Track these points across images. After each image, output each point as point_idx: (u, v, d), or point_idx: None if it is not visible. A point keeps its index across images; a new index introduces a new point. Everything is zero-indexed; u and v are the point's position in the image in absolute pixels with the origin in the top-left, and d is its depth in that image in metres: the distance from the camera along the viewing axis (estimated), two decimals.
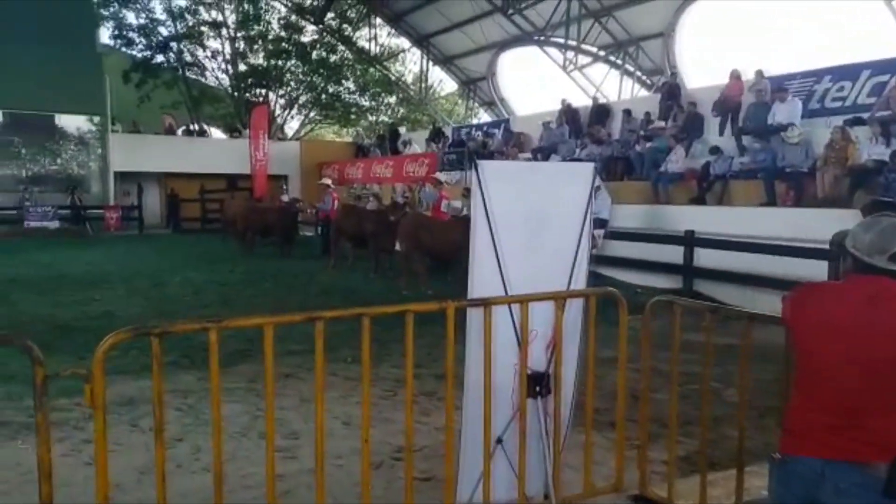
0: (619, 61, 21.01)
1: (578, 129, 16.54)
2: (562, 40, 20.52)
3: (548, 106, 19.79)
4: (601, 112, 16.63)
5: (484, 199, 2.63)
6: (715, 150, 11.61)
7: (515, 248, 2.71)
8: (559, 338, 2.72)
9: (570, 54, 20.70)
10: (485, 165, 2.64)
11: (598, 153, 14.67)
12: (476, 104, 28.67)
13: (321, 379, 2.52)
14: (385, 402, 4.98)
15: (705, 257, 10.01)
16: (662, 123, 13.30)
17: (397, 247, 12.39)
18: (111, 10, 26.20)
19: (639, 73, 20.69)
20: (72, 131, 24.41)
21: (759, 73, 12.58)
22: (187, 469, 3.87)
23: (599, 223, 12.30)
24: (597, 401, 3.26)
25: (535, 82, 31.85)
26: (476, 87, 27.64)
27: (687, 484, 3.45)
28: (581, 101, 18.04)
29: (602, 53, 21.00)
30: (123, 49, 26.58)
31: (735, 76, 13.01)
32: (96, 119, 23.35)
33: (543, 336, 2.78)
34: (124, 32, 26.37)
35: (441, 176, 14.19)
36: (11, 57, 20.16)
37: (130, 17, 26.54)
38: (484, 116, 27.51)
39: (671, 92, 14.45)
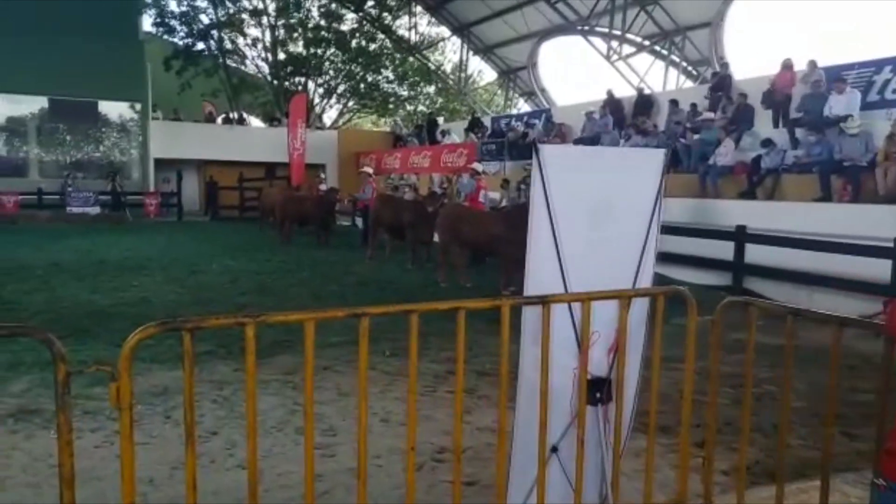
0: (664, 51, 20.45)
1: (621, 119, 16.16)
2: (606, 30, 20.05)
3: (589, 96, 19.44)
4: (645, 103, 16.23)
5: (544, 188, 2.40)
6: (767, 143, 11.14)
7: (577, 241, 2.47)
8: (623, 340, 2.48)
9: (615, 44, 20.20)
10: (546, 150, 2.40)
11: (643, 144, 14.26)
12: (516, 94, 28.32)
13: (364, 378, 2.33)
14: (425, 399, 4.78)
15: (756, 254, 9.59)
16: (711, 115, 12.83)
17: (435, 238, 12.21)
18: None
19: (684, 64, 20.12)
20: (114, 118, 24.75)
21: (812, 63, 12.05)
22: (221, 465, 3.72)
23: None
24: (650, 404, 3.02)
25: (576, 72, 31.41)
26: (516, 76, 27.28)
27: (754, 496, 3.19)
28: (624, 92, 17.63)
29: (647, 43, 20.46)
30: (165, 37, 26.84)
31: (786, 66, 12.48)
32: (137, 106, 23.61)
33: (606, 338, 2.54)
34: (166, 20, 26.58)
35: (479, 166, 13.92)
36: (56, 44, 20.46)
37: (172, 5, 26.76)
38: (523, 107, 27.13)
39: (721, 83, 13.96)
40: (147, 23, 26.66)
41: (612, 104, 16.44)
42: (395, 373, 5.32)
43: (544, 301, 2.34)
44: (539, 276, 2.50)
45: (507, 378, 2.56)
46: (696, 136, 12.77)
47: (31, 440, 3.79)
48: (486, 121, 22.22)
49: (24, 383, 4.73)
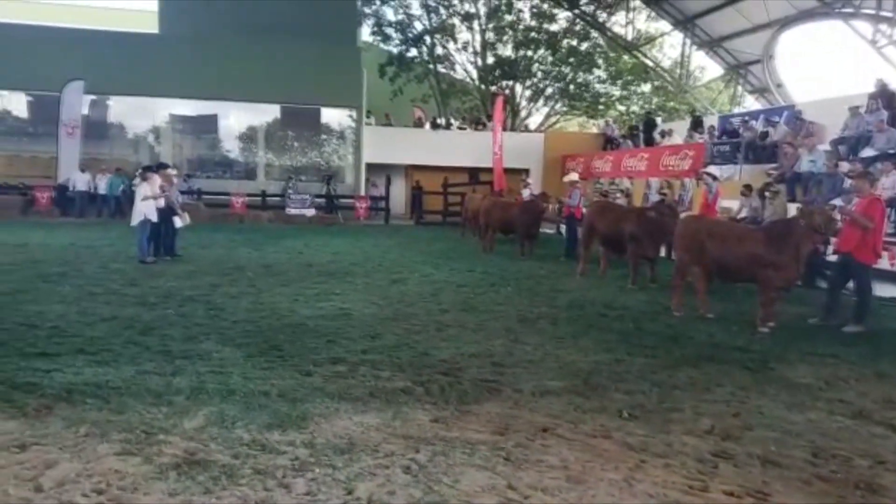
0: None
1: (893, 116, 13.23)
2: (873, 11, 16.81)
3: (837, 91, 16.46)
4: None
5: None
6: None
7: None
8: None
9: (884, 27, 16.86)
10: None
11: None
12: (744, 91, 25.31)
13: None
14: (691, 501, 3.34)
15: None
16: None
17: (661, 252, 10.57)
18: (372, 7, 27.28)
19: None
20: (333, 124, 25.85)
21: None
22: None
23: None
24: None
25: (819, 64, 27.48)
26: (746, 71, 24.33)
27: None
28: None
29: None
30: (381, 45, 27.59)
31: None
32: (353, 112, 24.35)
33: None
34: (383, 28, 27.30)
35: (715, 170, 11.96)
36: (286, 55, 21.74)
37: (389, 14, 27.47)
38: (752, 105, 24.11)
39: None
40: (364, 32, 27.64)
41: (884, 97, 13.50)
42: (639, 446, 3.94)
43: None
44: None
45: None
46: None
47: None
48: (712, 120, 19.79)
49: (201, 418, 4.06)
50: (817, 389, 5.23)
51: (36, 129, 22.82)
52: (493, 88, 27.95)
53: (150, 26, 23.73)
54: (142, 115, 23.90)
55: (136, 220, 10.92)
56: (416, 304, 8.22)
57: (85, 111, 21.76)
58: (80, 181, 20.08)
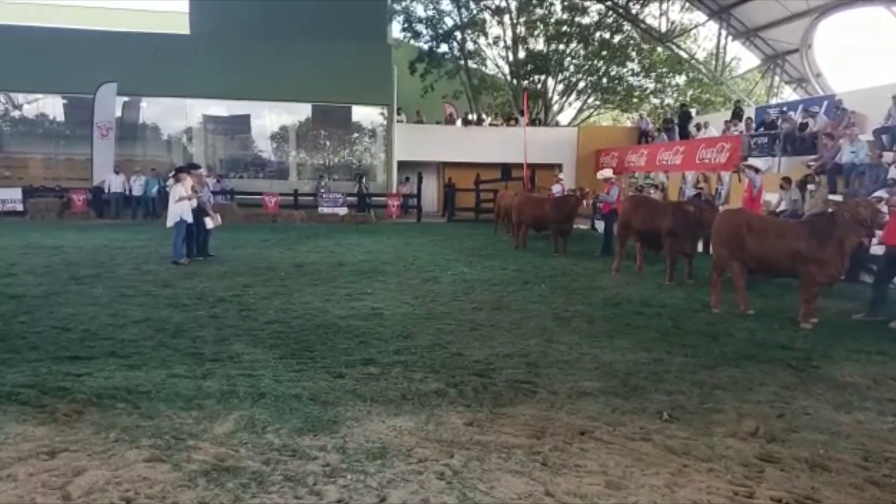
0: None
1: None
2: None
3: (877, 80, 15.84)
4: None
5: None
6: None
7: None
8: None
9: None
10: None
11: None
12: (781, 82, 24.67)
13: None
14: None
15: None
16: None
17: (699, 248, 10.31)
18: (402, 4, 27.24)
19: None
20: (364, 123, 25.89)
21: None
22: None
23: None
24: None
25: (862, 52, 26.74)
26: (784, 61, 23.69)
27: None
28: None
29: None
30: (411, 41, 27.55)
31: None
32: (384, 110, 24.34)
33: None
34: (413, 25, 27.24)
35: (758, 162, 11.63)
36: (316, 53, 21.80)
37: (419, 10, 27.40)
38: (790, 96, 23.49)
39: None
40: (394, 29, 27.63)
41: None
42: (681, 450, 3.80)
43: None
44: None
45: None
46: None
47: None
48: (749, 112, 19.32)
49: (231, 422, 4.03)
50: (865, 388, 5.03)
51: (72, 132, 23.19)
52: (525, 83, 27.71)
53: (181, 27, 23.99)
54: (174, 115, 24.18)
55: (171, 221, 11.01)
56: (449, 304, 8.14)
57: (118, 113, 22.08)
58: (115, 183, 20.35)
